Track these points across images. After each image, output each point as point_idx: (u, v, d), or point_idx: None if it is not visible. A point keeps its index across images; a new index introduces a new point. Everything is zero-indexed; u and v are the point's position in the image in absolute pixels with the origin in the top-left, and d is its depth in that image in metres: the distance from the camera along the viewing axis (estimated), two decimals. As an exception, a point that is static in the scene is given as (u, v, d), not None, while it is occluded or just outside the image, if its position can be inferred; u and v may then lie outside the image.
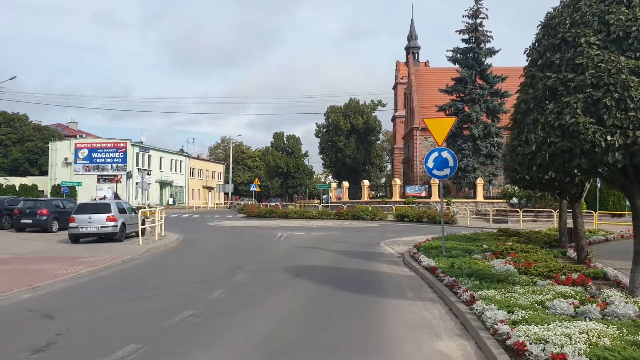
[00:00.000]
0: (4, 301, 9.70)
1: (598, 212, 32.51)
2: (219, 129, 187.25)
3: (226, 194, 79.66)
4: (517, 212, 37.30)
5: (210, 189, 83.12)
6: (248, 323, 7.98)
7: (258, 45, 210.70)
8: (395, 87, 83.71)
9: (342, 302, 9.61)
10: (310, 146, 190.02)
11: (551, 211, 33.98)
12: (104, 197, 55.23)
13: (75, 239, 20.31)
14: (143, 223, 22.98)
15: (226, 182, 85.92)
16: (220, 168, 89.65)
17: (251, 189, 53.58)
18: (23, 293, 10.50)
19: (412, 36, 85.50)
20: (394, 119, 79.37)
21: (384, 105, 72.57)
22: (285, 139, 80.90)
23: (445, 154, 15.14)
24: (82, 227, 19.94)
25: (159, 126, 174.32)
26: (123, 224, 20.80)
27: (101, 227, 19.99)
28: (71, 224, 20.13)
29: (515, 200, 41.28)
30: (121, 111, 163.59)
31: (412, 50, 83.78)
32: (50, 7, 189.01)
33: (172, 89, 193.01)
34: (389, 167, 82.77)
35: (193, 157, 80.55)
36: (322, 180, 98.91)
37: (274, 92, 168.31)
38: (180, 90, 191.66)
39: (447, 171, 15.10)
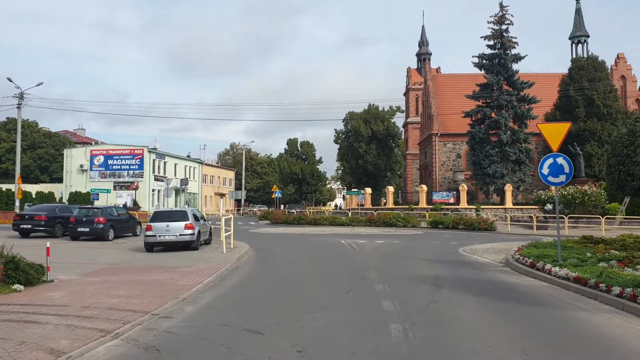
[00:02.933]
0: (179, 314, 9.27)
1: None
2: (214, 135, 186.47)
3: (238, 200, 79.12)
4: (556, 218, 37.14)
5: (221, 195, 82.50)
6: (481, 339, 7.59)
7: (257, 53, 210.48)
8: (407, 93, 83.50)
9: (527, 315, 9.27)
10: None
11: (598, 217, 33.62)
12: (125, 204, 54.56)
13: (151, 247, 19.83)
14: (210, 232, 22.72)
15: (236, 188, 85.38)
16: (231, 175, 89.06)
17: (275, 195, 53.09)
18: (182, 306, 10.07)
19: (423, 42, 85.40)
20: (405, 125, 79.15)
21: (402, 112, 72.34)
22: (299, 146, 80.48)
23: (560, 160, 14.84)
24: (160, 236, 19.46)
25: (154, 132, 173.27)
26: (199, 232, 20.34)
27: (179, 235, 19.53)
28: (147, 233, 19.65)
29: (549, 206, 40.93)
30: (118, 117, 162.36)
31: (423, 56, 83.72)
32: (50, 15, 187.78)
33: (170, 96, 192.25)
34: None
35: (206, 164, 79.95)
36: (330, 186, 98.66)
37: (272, 99, 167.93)
38: (178, 97, 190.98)
39: (562, 178, 14.80)
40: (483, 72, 50.89)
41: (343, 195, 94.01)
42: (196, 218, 20.89)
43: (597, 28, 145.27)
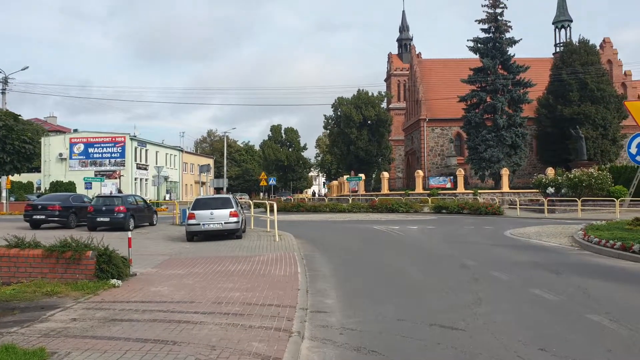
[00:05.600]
0: (326, 307, 8.36)
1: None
2: (180, 124, 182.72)
3: (220, 189, 77.50)
4: (561, 201, 37.18)
5: (202, 183, 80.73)
6: None
7: (227, 40, 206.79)
8: (388, 79, 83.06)
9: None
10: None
11: (613, 200, 33.56)
12: (110, 193, 52.63)
13: (192, 236, 18.68)
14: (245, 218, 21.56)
15: (215, 176, 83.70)
16: (210, 162, 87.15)
17: (270, 182, 51.98)
18: (316, 298, 9.21)
19: (403, 28, 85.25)
20: (388, 110, 78.53)
21: (391, 97, 71.79)
22: (283, 132, 79.04)
23: (649, 139, 14.35)
24: (204, 224, 18.30)
25: (118, 121, 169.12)
26: (243, 219, 19.28)
27: (225, 223, 18.40)
28: (190, 221, 18.47)
29: (551, 189, 40.83)
30: (79, 106, 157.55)
31: (404, 42, 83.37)
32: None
33: (138, 83, 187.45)
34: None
35: (186, 152, 77.98)
36: (310, 174, 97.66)
37: (243, 85, 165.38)
38: (145, 85, 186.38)
39: (651, 157, 14.32)
40: (478, 56, 50.60)
41: (323, 182, 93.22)
42: (238, 206, 19.81)
43: (579, 12, 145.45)
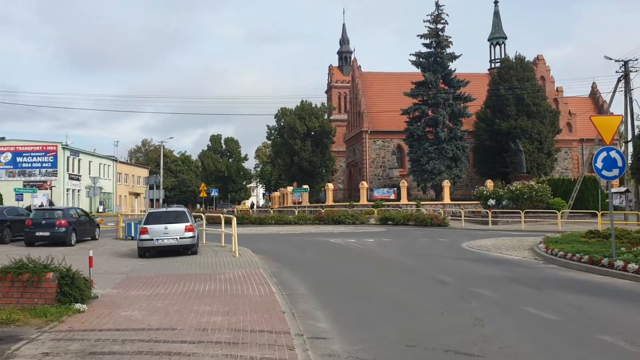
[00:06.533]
0: (320, 333, 7.77)
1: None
2: (111, 133, 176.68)
3: (157, 200, 75.09)
4: (503, 213, 38.04)
5: (136, 195, 78.02)
6: None
7: (163, 49, 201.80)
8: (329, 91, 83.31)
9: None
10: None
11: (554, 212, 34.48)
12: (41, 204, 49.89)
13: (144, 252, 17.61)
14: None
15: (151, 187, 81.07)
16: (145, 173, 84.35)
17: (212, 194, 50.70)
18: (307, 322, 8.59)
19: (344, 40, 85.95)
20: (329, 122, 78.53)
21: (333, 109, 71.79)
22: (223, 142, 77.49)
23: (613, 154, 14.54)
24: (157, 239, 17.25)
25: (43, 130, 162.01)
26: (198, 234, 18.37)
27: (180, 238, 17.42)
28: (142, 236, 17.38)
29: (492, 201, 41.67)
30: (2, 114, 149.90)
31: (344, 54, 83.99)
32: None
33: (68, 92, 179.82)
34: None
35: (120, 162, 75.18)
36: (249, 185, 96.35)
37: (176, 95, 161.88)
38: (76, 92, 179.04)
39: (616, 172, 14.53)
40: (420, 70, 51.25)
41: (263, 193, 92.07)
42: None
43: (511, 30, 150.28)
